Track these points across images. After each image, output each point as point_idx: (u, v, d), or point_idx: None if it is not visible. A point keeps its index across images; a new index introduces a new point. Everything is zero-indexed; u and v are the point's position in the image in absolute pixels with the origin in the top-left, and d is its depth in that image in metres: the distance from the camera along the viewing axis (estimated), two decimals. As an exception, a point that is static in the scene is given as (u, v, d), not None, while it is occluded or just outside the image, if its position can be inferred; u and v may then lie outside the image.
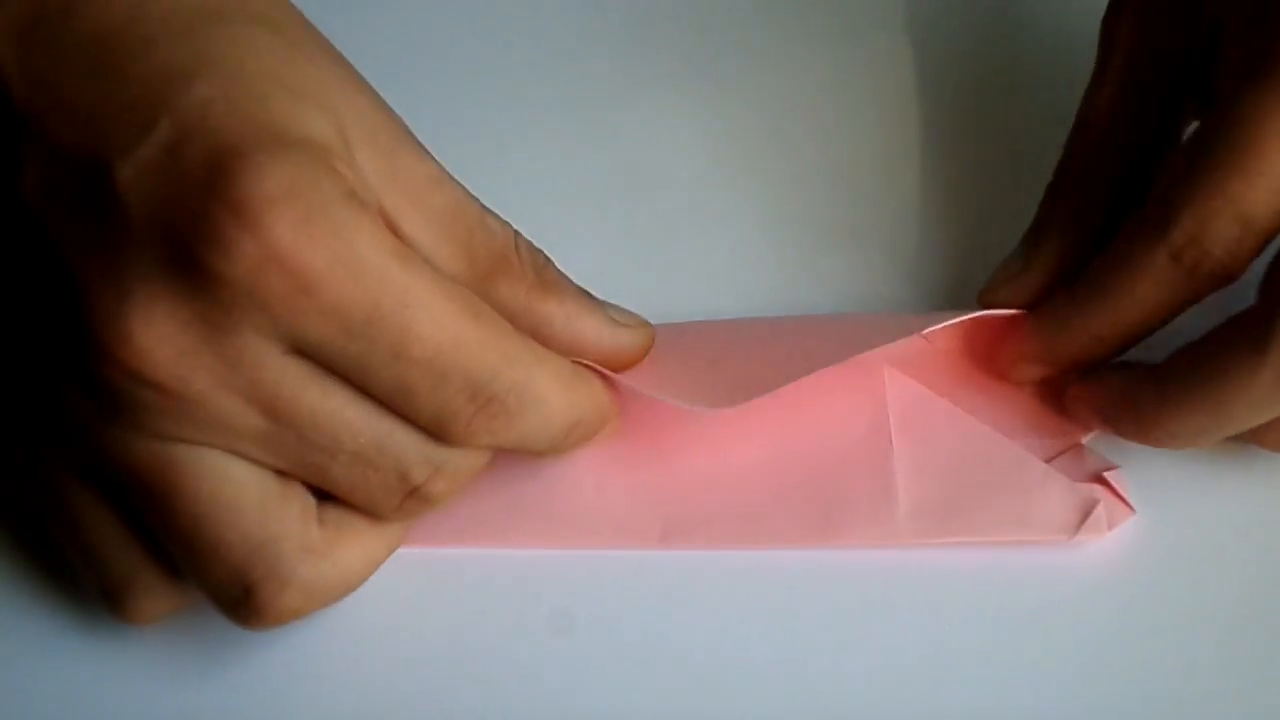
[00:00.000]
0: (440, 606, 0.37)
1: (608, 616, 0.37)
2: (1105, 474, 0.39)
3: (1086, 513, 0.38)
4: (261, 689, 0.36)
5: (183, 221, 0.30)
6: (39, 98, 0.32)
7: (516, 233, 0.35)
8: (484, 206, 0.35)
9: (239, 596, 0.33)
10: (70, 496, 0.34)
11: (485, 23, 0.50)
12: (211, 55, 0.32)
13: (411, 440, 0.33)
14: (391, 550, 0.35)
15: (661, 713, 0.35)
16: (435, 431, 0.33)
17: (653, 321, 0.38)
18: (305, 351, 0.31)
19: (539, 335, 0.35)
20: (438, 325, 0.32)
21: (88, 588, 0.35)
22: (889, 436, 0.39)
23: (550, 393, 0.34)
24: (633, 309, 0.37)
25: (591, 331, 0.36)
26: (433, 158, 0.34)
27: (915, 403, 0.40)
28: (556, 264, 0.36)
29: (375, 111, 0.34)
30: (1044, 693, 0.36)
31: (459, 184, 0.34)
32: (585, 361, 0.36)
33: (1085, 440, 0.40)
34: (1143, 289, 0.36)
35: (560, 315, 0.35)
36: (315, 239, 0.30)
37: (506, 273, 0.34)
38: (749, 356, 0.39)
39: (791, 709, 0.35)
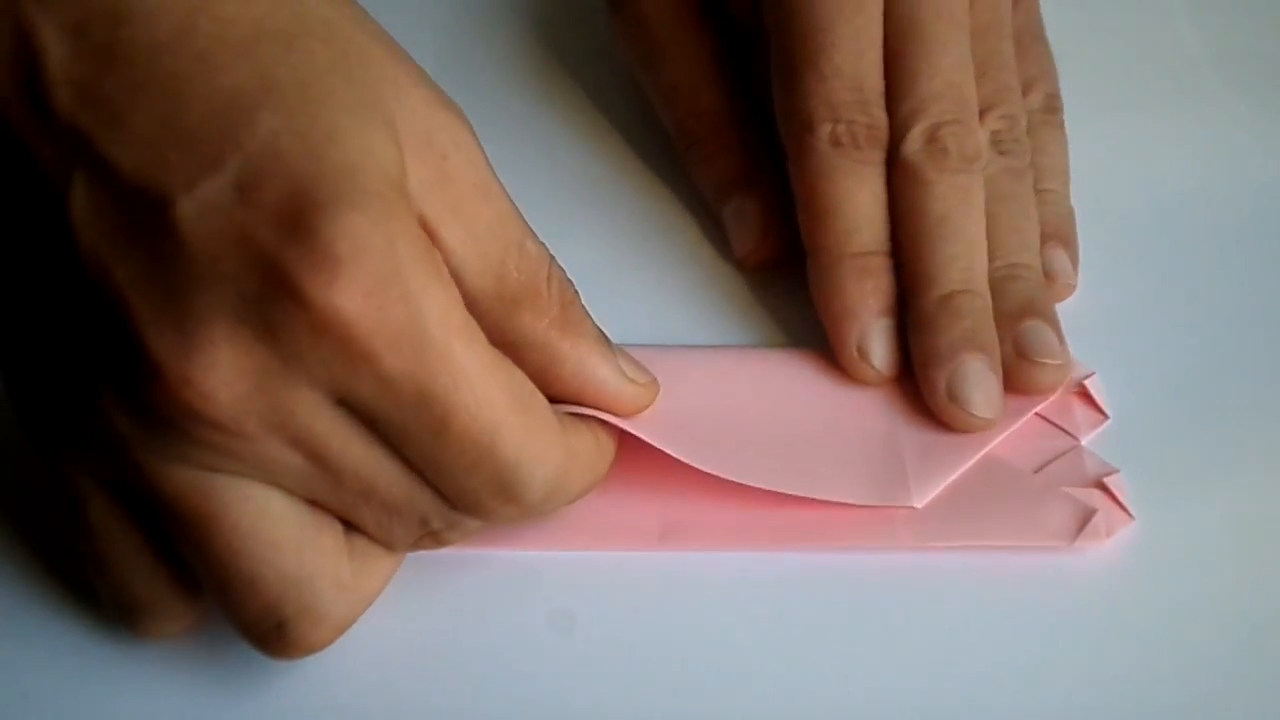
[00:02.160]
0: (440, 606, 0.37)
1: (608, 616, 0.37)
2: (1105, 479, 0.39)
3: (1084, 521, 0.38)
4: (261, 688, 0.35)
5: (252, 271, 0.30)
6: (85, 108, 0.31)
7: (552, 259, 0.35)
8: (527, 226, 0.34)
9: (271, 631, 0.33)
10: (95, 509, 0.33)
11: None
12: (271, 79, 0.31)
13: (437, 501, 0.34)
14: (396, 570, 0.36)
15: (661, 713, 0.35)
16: (457, 505, 0.34)
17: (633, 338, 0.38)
18: (352, 405, 0.31)
19: (547, 372, 0.35)
20: (482, 415, 0.32)
21: (103, 600, 0.35)
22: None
23: (574, 483, 0.35)
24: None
25: (598, 381, 0.36)
26: (486, 162, 0.34)
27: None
28: (583, 300, 0.36)
29: (430, 109, 0.33)
30: (1044, 694, 0.36)
31: (507, 196, 0.34)
32: (588, 411, 0.36)
33: (1084, 442, 0.40)
34: (841, 183, 0.40)
35: (573, 358, 0.35)
36: (385, 308, 0.30)
37: (533, 302, 0.34)
38: (744, 440, 0.39)
39: (791, 709, 0.35)
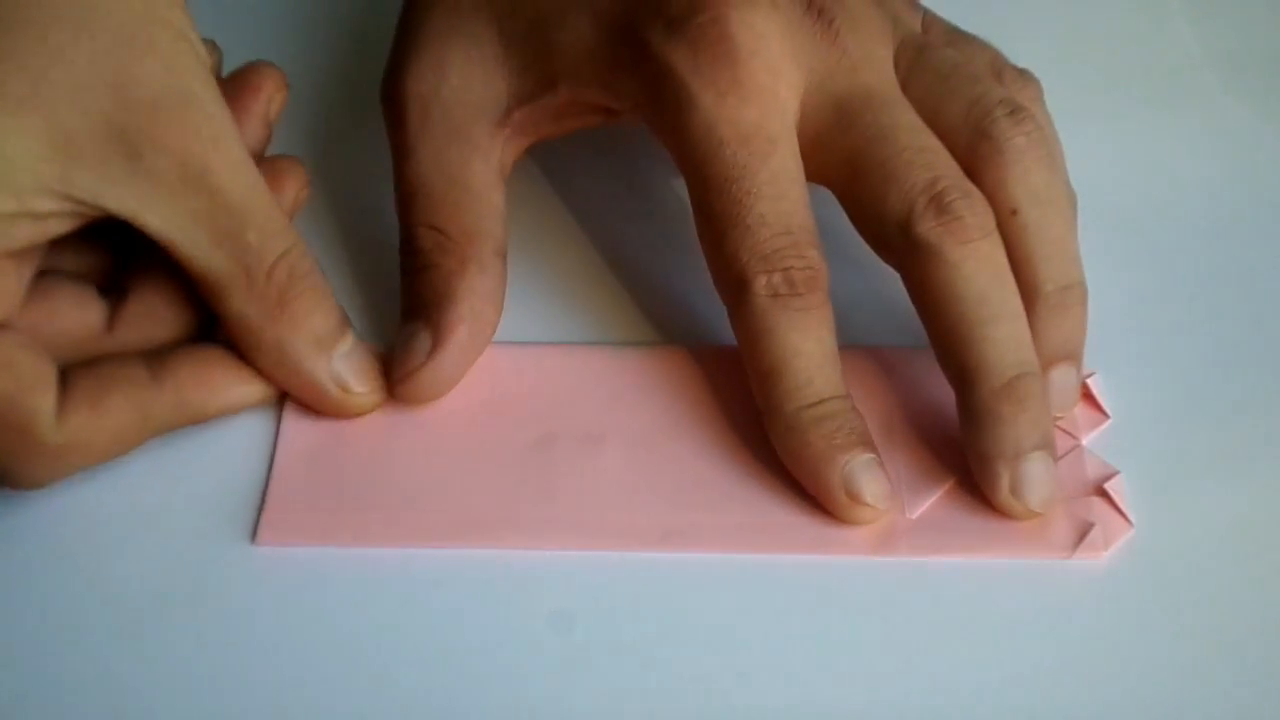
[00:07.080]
0: (440, 606, 0.37)
1: (608, 616, 0.37)
2: (1105, 483, 0.39)
3: (1082, 535, 0.38)
4: (260, 687, 0.35)
5: None
6: None
7: (285, 253, 0.38)
8: (261, 217, 0.37)
9: None
10: None
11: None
12: None
13: None
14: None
15: (661, 713, 0.35)
16: None
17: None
18: None
19: (250, 354, 0.39)
20: None
21: None
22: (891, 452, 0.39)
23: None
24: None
25: (300, 375, 0.39)
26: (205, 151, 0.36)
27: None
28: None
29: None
30: (1043, 694, 0.36)
31: (237, 185, 0.37)
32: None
33: (1085, 441, 0.40)
34: (786, 338, 0.38)
35: (274, 348, 0.38)
36: None
37: (239, 290, 0.37)
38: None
39: (791, 710, 0.35)
